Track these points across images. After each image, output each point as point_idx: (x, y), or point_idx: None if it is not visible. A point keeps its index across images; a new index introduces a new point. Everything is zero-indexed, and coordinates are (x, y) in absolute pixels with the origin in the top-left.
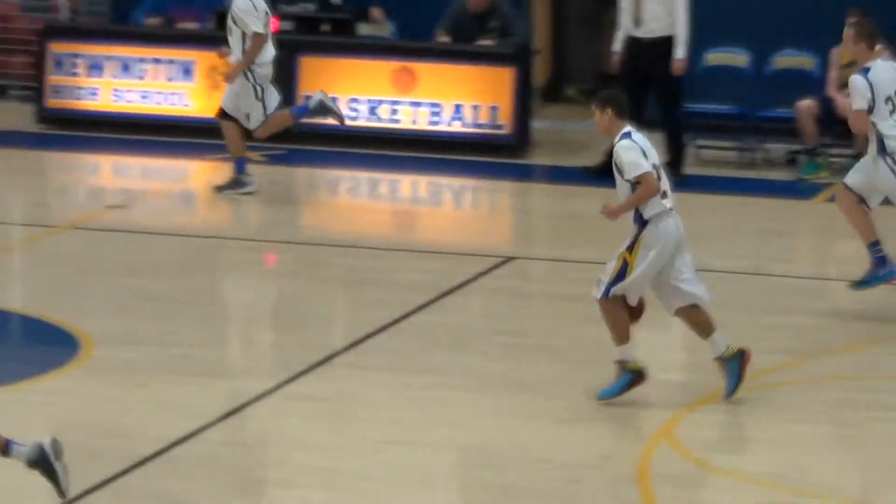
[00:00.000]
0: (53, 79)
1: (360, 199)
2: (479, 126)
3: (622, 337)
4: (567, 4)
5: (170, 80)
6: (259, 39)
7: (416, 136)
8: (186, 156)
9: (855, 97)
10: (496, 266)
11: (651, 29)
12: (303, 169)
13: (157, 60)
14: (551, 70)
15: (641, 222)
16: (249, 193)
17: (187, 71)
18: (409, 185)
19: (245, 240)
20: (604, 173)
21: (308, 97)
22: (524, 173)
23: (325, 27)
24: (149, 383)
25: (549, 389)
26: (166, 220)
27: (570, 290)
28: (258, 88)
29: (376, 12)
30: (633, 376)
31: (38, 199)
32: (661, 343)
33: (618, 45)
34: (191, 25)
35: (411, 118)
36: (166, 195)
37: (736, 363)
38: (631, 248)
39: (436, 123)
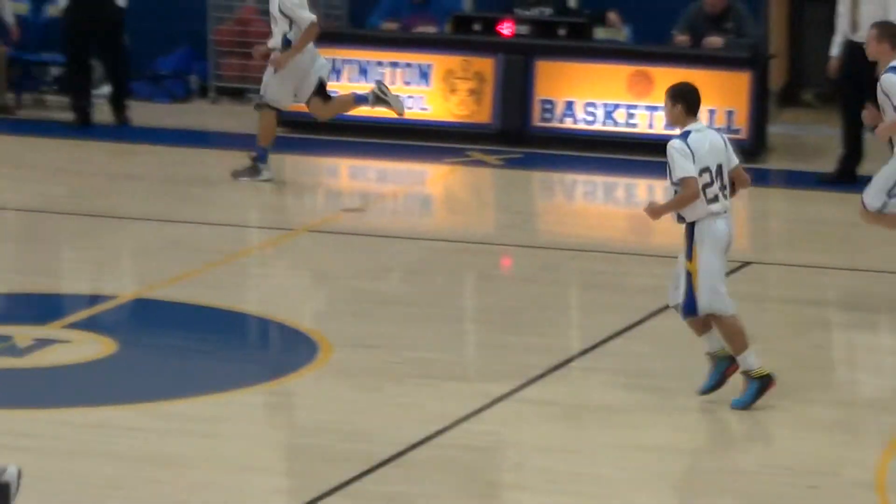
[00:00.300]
0: None
1: (595, 202)
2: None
3: (740, 346)
4: (804, 8)
5: (407, 83)
6: (314, 28)
7: (652, 140)
8: (422, 159)
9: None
10: (733, 271)
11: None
12: (538, 173)
13: (394, 64)
14: (788, 74)
15: (687, 225)
16: (268, 180)
17: (424, 75)
18: (645, 190)
19: (480, 243)
20: (842, 178)
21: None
22: (760, 178)
23: (562, 31)
24: (385, 386)
25: (783, 396)
26: (402, 224)
27: (807, 295)
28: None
29: (613, 16)
30: (761, 383)
31: (276, 203)
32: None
33: (836, 49)
34: (427, 29)
35: (647, 122)
36: (402, 198)
37: (724, 366)
38: (689, 256)
39: (672, 128)
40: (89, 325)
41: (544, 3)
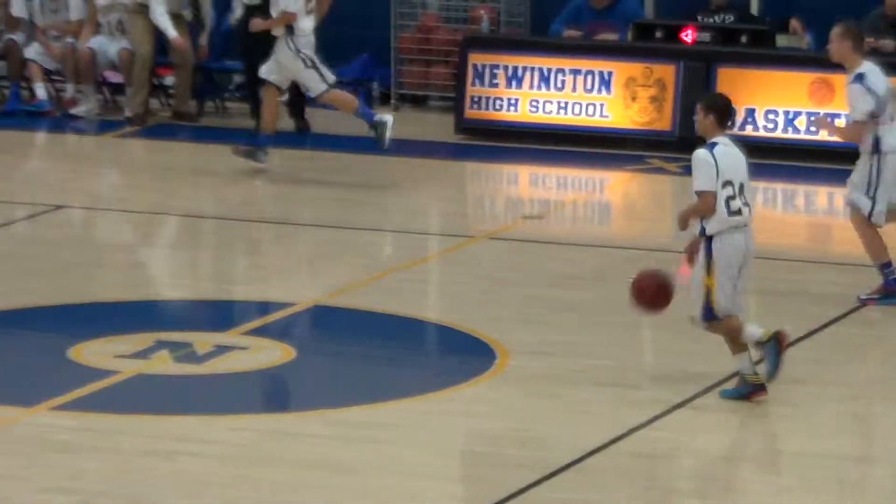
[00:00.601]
0: (473, 90)
1: (775, 210)
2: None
3: (738, 347)
4: None
5: (588, 90)
6: (289, 17)
7: (833, 147)
8: (603, 167)
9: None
10: None
11: None
12: None
13: (575, 71)
14: None
15: (706, 238)
16: (261, 170)
17: (605, 82)
18: (825, 197)
19: (659, 251)
20: None
21: (379, 116)
22: None
23: (744, 38)
24: (563, 393)
25: None
26: (581, 231)
27: None
28: (305, 59)
29: (795, 23)
30: (752, 389)
31: (456, 209)
32: None
33: None
34: (609, 37)
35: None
36: (582, 206)
37: (772, 347)
38: (708, 271)
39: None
40: (267, 331)
41: (727, 10)
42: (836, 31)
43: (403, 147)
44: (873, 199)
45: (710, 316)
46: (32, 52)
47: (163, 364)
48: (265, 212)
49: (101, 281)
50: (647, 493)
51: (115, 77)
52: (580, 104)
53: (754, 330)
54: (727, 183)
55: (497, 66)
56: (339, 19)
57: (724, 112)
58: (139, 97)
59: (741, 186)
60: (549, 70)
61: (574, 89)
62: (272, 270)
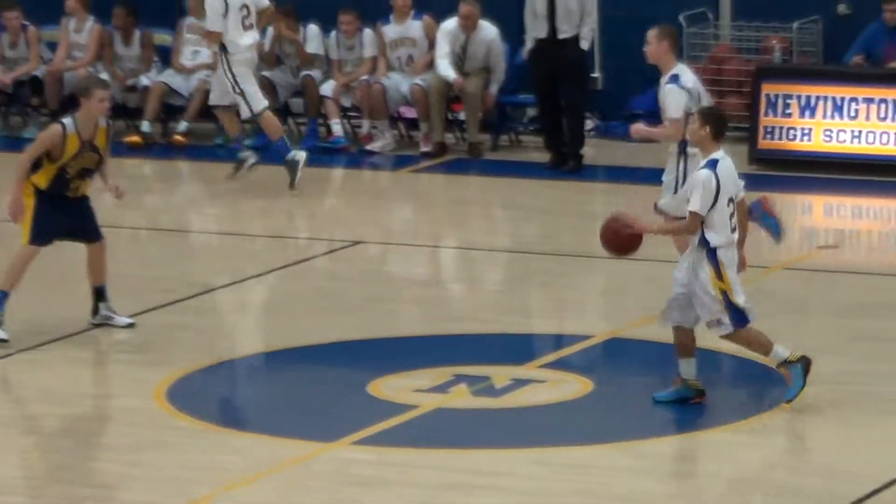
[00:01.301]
0: (766, 120)
1: None
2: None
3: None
4: None
5: (881, 119)
6: (206, 35)
7: None
8: None
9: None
10: None
11: None
12: None
13: (868, 100)
14: None
15: (709, 248)
16: (253, 165)
17: None
18: None
19: None
20: None
21: (293, 151)
22: None
23: None
24: (866, 423)
25: None
26: (878, 260)
27: None
28: (234, 85)
29: None
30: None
31: (751, 240)
32: None
33: None
34: None
35: None
36: (877, 235)
37: (801, 369)
38: (720, 277)
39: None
40: (564, 364)
41: None
42: (653, 34)
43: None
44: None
45: (741, 319)
46: (328, 89)
47: (461, 398)
48: (561, 245)
49: (399, 315)
50: None
51: (409, 112)
52: (874, 133)
53: (783, 350)
54: (729, 200)
55: (790, 96)
56: (630, 51)
57: (720, 124)
58: (435, 132)
59: (735, 198)
60: (843, 99)
61: (867, 118)
62: (568, 303)
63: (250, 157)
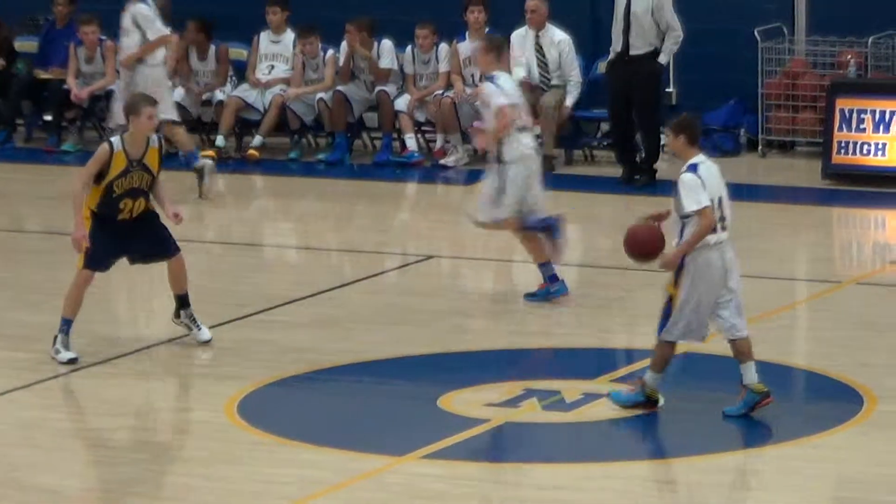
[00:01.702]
0: (839, 135)
1: None
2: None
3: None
4: None
5: None
6: (164, 39)
7: None
8: None
9: None
10: None
11: None
12: None
13: None
14: None
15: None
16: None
17: None
18: None
19: None
20: None
21: (201, 160)
22: None
23: None
24: None
25: None
26: None
27: None
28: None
29: None
30: (647, 400)
31: (823, 255)
32: None
33: None
34: None
35: None
36: None
37: (754, 399)
38: (675, 284)
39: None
40: (635, 378)
41: None
42: (480, 46)
43: (771, 193)
44: (507, 206)
45: (663, 328)
46: (402, 103)
47: (531, 412)
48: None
49: (470, 330)
50: None
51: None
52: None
53: (754, 374)
54: (711, 200)
55: (864, 111)
56: (705, 65)
57: (692, 131)
58: (546, 146)
59: (720, 201)
60: None
61: None
62: (639, 317)
63: (207, 165)
